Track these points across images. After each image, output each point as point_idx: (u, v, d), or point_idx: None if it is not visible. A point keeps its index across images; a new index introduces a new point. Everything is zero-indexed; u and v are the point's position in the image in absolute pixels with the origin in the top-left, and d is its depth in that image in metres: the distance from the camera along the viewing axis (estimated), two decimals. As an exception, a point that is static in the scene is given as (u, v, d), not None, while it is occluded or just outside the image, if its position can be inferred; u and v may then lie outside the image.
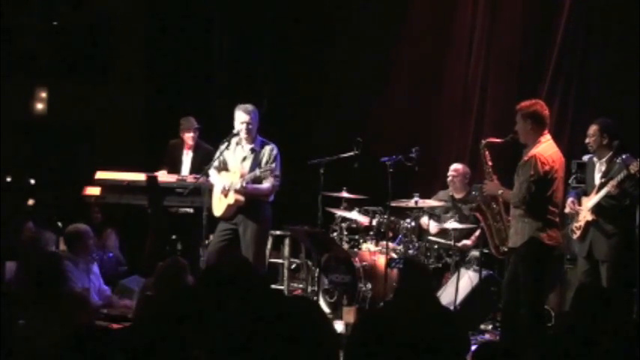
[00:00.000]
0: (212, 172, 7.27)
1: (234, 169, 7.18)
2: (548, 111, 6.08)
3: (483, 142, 6.35)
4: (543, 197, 5.84)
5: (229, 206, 7.10)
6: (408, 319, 3.83)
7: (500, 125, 6.96)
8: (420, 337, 3.44)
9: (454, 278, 7.32)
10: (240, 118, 7.14)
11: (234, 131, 7.23)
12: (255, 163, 7.11)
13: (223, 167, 7.26)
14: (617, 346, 3.56)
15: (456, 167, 8.08)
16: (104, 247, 8.50)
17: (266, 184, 7.10)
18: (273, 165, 7.06)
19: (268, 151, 7.15)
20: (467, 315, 7.09)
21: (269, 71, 10.38)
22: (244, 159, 7.18)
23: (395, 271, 7.27)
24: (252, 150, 7.17)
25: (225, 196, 7.10)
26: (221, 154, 7.24)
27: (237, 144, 7.22)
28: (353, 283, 7.55)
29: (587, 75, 8.35)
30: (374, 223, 7.90)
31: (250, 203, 7.09)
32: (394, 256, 7.60)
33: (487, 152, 6.27)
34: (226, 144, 7.23)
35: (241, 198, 7.05)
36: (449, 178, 8.06)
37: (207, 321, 3.76)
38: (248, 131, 7.13)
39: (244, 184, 7.00)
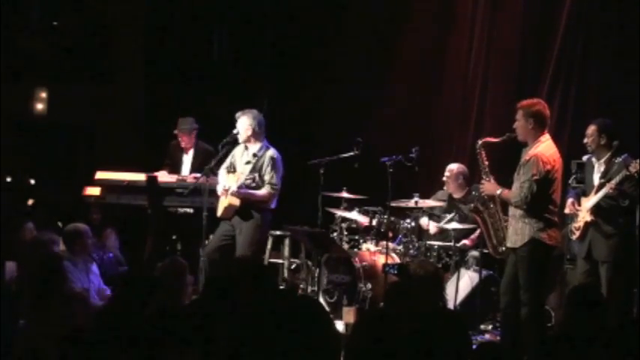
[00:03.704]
0: (222, 171, 7.34)
1: (239, 172, 7.25)
2: (549, 111, 6.09)
3: (479, 142, 6.35)
4: (544, 197, 5.84)
5: (226, 208, 7.17)
6: (408, 319, 3.82)
7: (501, 125, 6.95)
8: (420, 337, 3.44)
9: (454, 278, 7.32)
10: (237, 127, 7.23)
11: (235, 131, 7.29)
12: (255, 168, 7.15)
13: (233, 169, 7.31)
14: (617, 346, 3.56)
15: (450, 168, 8.06)
16: (104, 247, 8.49)
17: (261, 191, 7.14)
18: (251, 177, 7.06)
19: (267, 157, 7.20)
20: (467, 315, 7.09)
21: (269, 71, 10.37)
22: (248, 162, 7.24)
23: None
24: (255, 155, 7.21)
25: (225, 197, 7.15)
26: (225, 155, 7.32)
27: (246, 147, 7.28)
28: (353, 283, 7.55)
29: (587, 75, 8.35)
30: (374, 223, 7.89)
31: (248, 207, 7.14)
32: (394, 256, 7.60)
33: (483, 152, 6.27)
34: (226, 143, 7.29)
35: (235, 201, 7.10)
36: (444, 179, 8.06)
37: (211, 320, 3.77)
38: (247, 139, 7.22)
39: (236, 189, 7.04)
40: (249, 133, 7.22)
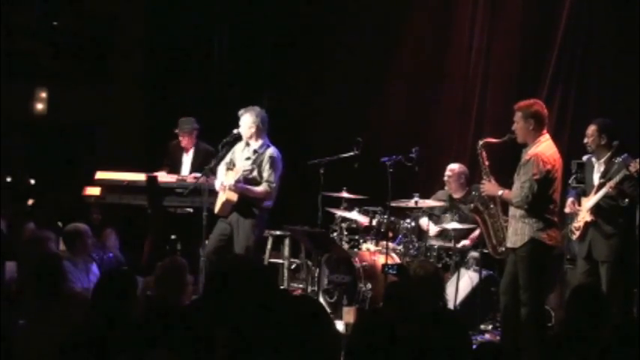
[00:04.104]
0: (221, 168, 7.34)
1: (238, 167, 7.25)
2: (547, 110, 6.09)
3: (480, 142, 6.34)
4: (544, 197, 5.84)
5: (223, 203, 7.18)
6: (408, 319, 3.82)
7: (500, 125, 6.95)
8: (420, 338, 3.44)
9: (454, 278, 7.32)
10: (241, 124, 7.26)
11: (235, 131, 7.29)
12: (255, 164, 7.15)
13: (232, 166, 7.31)
14: (617, 346, 3.56)
15: (451, 167, 8.06)
16: (104, 247, 8.49)
17: (258, 188, 7.13)
18: (249, 169, 7.06)
19: (267, 155, 7.18)
20: (467, 315, 7.09)
21: (269, 71, 10.38)
22: (248, 158, 7.23)
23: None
24: (255, 151, 7.20)
25: (223, 192, 7.16)
26: (225, 153, 7.31)
27: (247, 144, 7.28)
28: (353, 283, 7.55)
29: (587, 75, 8.35)
30: (374, 223, 7.89)
31: (245, 205, 7.13)
32: (394, 256, 7.60)
33: (484, 153, 6.27)
34: (226, 143, 7.30)
35: (232, 196, 7.10)
36: (445, 178, 8.06)
37: (211, 319, 3.77)
38: (251, 136, 7.22)
39: (233, 182, 7.04)
40: (254, 130, 7.22)
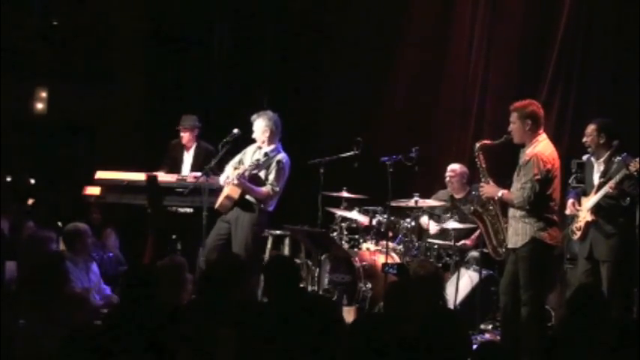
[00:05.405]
0: (229, 166, 7.34)
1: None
2: (542, 110, 6.10)
3: (477, 144, 6.34)
4: (545, 196, 5.85)
5: (225, 198, 7.18)
6: (408, 319, 3.83)
7: (500, 125, 6.95)
8: (420, 337, 3.44)
9: (454, 278, 7.32)
10: (254, 129, 7.27)
11: (235, 131, 7.29)
12: (263, 165, 7.15)
13: (240, 166, 7.32)
14: (617, 346, 3.56)
15: (453, 167, 8.06)
16: (104, 246, 8.50)
17: (262, 188, 7.14)
18: (254, 164, 7.05)
19: (277, 159, 7.19)
20: (467, 315, 7.09)
21: (269, 71, 10.37)
22: (257, 160, 7.23)
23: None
24: (266, 154, 7.20)
25: (227, 187, 7.18)
26: (225, 155, 7.32)
27: (259, 147, 7.30)
28: (353, 283, 7.55)
29: (587, 75, 8.35)
30: (374, 222, 7.89)
31: (246, 204, 7.12)
32: (394, 255, 7.60)
33: (481, 155, 6.26)
34: (226, 143, 7.30)
35: (235, 192, 7.09)
36: (447, 179, 8.05)
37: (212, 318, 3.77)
38: (264, 140, 7.23)
39: (238, 177, 7.03)
40: (268, 134, 7.23)
